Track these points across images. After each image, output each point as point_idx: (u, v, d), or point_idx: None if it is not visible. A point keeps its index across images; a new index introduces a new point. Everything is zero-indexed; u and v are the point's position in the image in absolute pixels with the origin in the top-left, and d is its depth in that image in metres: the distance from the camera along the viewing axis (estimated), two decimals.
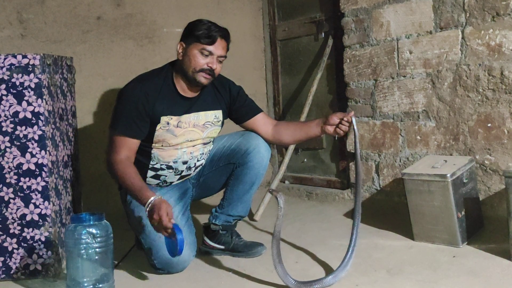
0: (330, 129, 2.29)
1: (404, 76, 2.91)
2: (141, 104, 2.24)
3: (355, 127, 2.22)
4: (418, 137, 2.88)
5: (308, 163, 3.68)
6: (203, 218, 2.93)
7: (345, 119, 2.23)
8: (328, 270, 2.22)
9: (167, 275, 2.26)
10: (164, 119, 2.29)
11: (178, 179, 2.47)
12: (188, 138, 2.37)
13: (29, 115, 2.26)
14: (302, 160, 3.70)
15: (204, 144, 2.45)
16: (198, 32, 2.24)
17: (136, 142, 2.26)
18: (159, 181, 2.42)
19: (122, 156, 2.22)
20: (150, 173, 2.38)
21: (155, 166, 2.38)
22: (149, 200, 2.07)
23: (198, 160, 2.46)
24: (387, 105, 3.01)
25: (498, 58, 2.52)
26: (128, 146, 2.24)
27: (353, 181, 3.26)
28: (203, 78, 2.26)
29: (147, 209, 2.08)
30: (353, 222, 2.15)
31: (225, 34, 2.29)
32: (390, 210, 2.93)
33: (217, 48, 2.26)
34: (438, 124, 2.79)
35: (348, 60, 3.19)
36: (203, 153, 2.46)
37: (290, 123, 2.53)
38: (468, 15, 2.61)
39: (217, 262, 2.42)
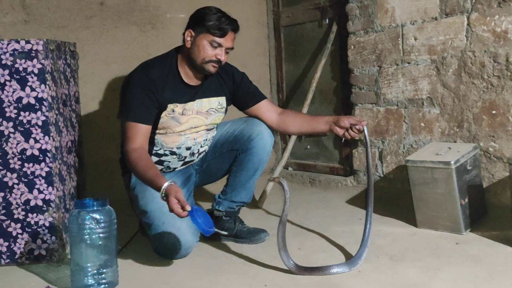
0: (339, 131, 2.28)
1: (409, 63, 2.90)
2: (150, 91, 2.23)
3: (367, 138, 2.21)
4: (422, 124, 2.87)
5: (312, 149, 3.68)
6: (206, 205, 2.92)
7: (357, 126, 2.23)
8: (331, 257, 2.23)
9: (170, 261, 2.27)
10: (170, 106, 2.29)
11: (182, 165, 2.47)
12: (192, 125, 2.37)
13: (32, 101, 2.25)
14: (306, 147, 3.70)
15: (208, 130, 2.45)
16: (209, 23, 2.22)
17: (149, 128, 2.25)
18: (162, 167, 2.42)
19: (136, 145, 2.20)
20: (154, 158, 2.37)
21: (158, 152, 2.38)
22: (162, 189, 2.05)
23: (201, 146, 2.46)
24: (391, 91, 3.00)
25: (504, 45, 2.50)
26: (142, 133, 2.22)
27: (356, 168, 3.28)
28: (211, 68, 2.27)
29: (162, 197, 2.06)
30: (364, 230, 2.17)
31: (235, 27, 2.28)
32: (393, 197, 2.93)
33: (227, 40, 2.25)
34: (443, 111, 2.78)
35: (352, 46, 3.17)
36: (206, 139, 2.46)
37: (297, 114, 2.52)
38: (474, 1, 2.58)
39: (220, 248, 2.42)
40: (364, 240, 2.16)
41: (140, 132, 2.23)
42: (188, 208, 2.00)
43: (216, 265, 2.21)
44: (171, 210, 2.00)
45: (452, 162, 2.33)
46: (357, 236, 2.25)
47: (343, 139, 2.31)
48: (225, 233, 2.44)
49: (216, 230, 2.26)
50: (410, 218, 2.54)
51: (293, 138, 3.37)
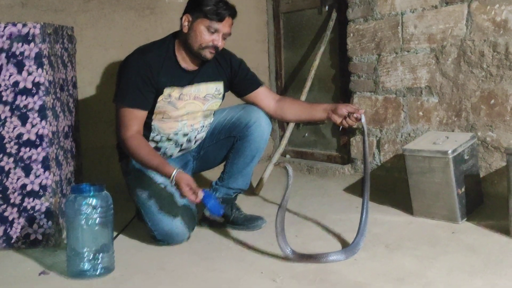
0: (337, 119, 2.28)
1: (408, 51, 2.88)
2: (146, 75, 2.22)
3: (364, 126, 2.20)
4: (420, 113, 2.87)
5: (309, 137, 3.68)
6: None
7: (355, 115, 2.22)
8: (328, 244, 2.23)
9: (167, 247, 2.28)
10: (167, 90, 2.28)
11: (179, 152, 2.47)
12: (189, 110, 2.36)
13: (29, 85, 2.24)
14: (303, 135, 3.70)
15: (205, 116, 2.44)
16: (206, 8, 2.20)
17: (144, 113, 2.25)
18: (159, 153, 2.39)
19: (133, 132, 2.20)
20: (151, 144, 2.36)
21: (155, 138, 2.38)
22: (172, 177, 2.10)
23: (198, 133, 2.45)
24: (390, 80, 2.99)
25: (504, 34, 2.48)
26: (137, 119, 2.22)
27: (354, 156, 3.27)
28: (208, 53, 2.26)
29: (172, 184, 2.13)
30: (361, 219, 2.18)
31: (233, 13, 2.26)
32: (390, 186, 2.94)
33: (224, 26, 2.23)
34: (441, 100, 2.77)
35: (351, 34, 3.16)
36: (203, 126, 2.46)
37: (295, 102, 2.52)
38: None
39: (217, 234, 2.43)
40: (360, 229, 2.16)
41: (136, 118, 2.23)
42: (201, 194, 2.09)
43: (213, 251, 2.22)
44: (184, 197, 2.08)
45: (449, 152, 2.33)
46: (354, 224, 2.25)
47: (341, 127, 2.31)
48: (221, 220, 2.45)
49: (212, 217, 2.29)
50: (407, 207, 2.55)
51: (291, 125, 3.36)
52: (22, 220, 2.29)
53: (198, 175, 3.01)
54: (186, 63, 2.32)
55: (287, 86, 3.83)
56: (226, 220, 2.49)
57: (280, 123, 3.85)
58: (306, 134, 3.69)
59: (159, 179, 2.29)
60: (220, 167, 2.58)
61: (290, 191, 2.07)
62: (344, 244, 2.22)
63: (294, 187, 2.98)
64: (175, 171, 2.09)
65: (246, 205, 2.76)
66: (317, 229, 2.44)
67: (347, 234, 2.31)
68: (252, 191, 3.08)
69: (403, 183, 2.64)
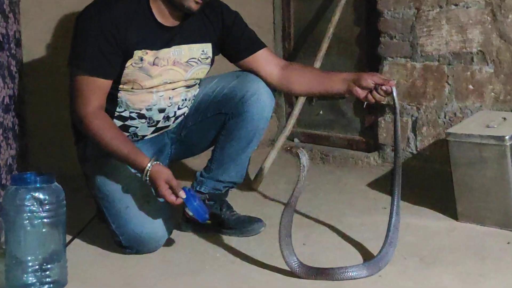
0: (360, 92, 2.27)
1: (456, 5, 2.88)
2: (109, 33, 2.21)
3: (396, 103, 2.19)
4: (470, 87, 2.87)
5: (325, 116, 3.68)
6: (184, 184, 2.88)
7: (384, 87, 2.21)
8: (345, 256, 2.24)
9: (135, 256, 2.28)
10: (137, 53, 2.27)
11: (153, 132, 2.47)
12: (167, 79, 2.35)
13: None
14: (317, 113, 3.71)
15: (188, 87, 2.44)
16: None
17: (108, 83, 2.25)
18: (128, 134, 2.41)
19: (95, 108, 2.20)
20: (117, 123, 2.36)
21: (122, 114, 2.38)
22: (145, 171, 2.12)
23: (179, 108, 2.45)
24: (432, 42, 2.99)
25: None
26: (99, 90, 2.23)
27: (382, 141, 3.29)
28: (193, 4, 2.25)
29: (145, 180, 2.15)
30: (389, 223, 2.19)
31: None
32: (429, 181, 2.94)
33: None
34: (498, 70, 2.77)
35: None
36: (186, 99, 2.46)
37: (306, 68, 2.53)
38: None
39: (202, 241, 2.43)
40: (389, 236, 2.16)
41: (97, 88, 2.23)
42: (183, 195, 2.11)
43: (195, 263, 2.22)
44: (161, 197, 2.08)
45: (507, 138, 2.33)
46: (380, 230, 2.25)
47: (365, 103, 2.31)
48: (208, 221, 2.44)
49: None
50: (449, 208, 2.55)
51: (301, 100, 3.36)
52: None
53: (178, 163, 3.02)
54: (163, 18, 2.31)
55: (297, 49, 3.82)
56: (214, 222, 2.49)
57: (287, 97, 3.85)
58: (321, 112, 3.69)
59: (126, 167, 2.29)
60: (207, 154, 2.57)
61: (303, 186, 2.07)
62: (367, 256, 2.22)
63: (306, 180, 3.05)
64: (150, 163, 2.09)
65: (241, 203, 2.75)
66: (332, 235, 2.45)
67: (370, 243, 2.31)
68: (248, 185, 3.08)
69: (446, 177, 2.64)
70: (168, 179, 2.11)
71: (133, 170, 2.23)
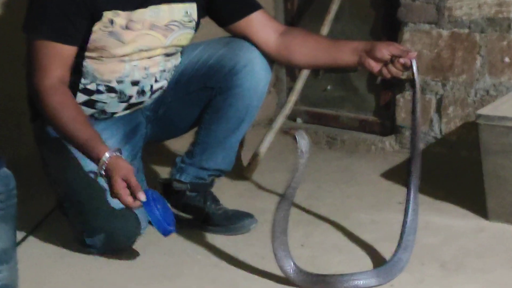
0: (374, 65, 2.26)
1: None
2: None
3: (416, 78, 2.17)
4: (507, 59, 2.89)
5: (333, 92, 3.66)
6: (162, 172, 2.95)
7: (403, 60, 2.19)
8: (351, 260, 2.23)
9: (101, 257, 2.28)
10: (107, 15, 2.25)
11: (125, 109, 2.44)
12: (142, 46, 2.32)
13: None
14: (324, 88, 3.68)
15: (167, 56, 2.41)
16: None
17: (71, 51, 2.23)
18: (94, 111, 2.39)
19: (54, 80, 2.18)
20: (81, 97, 2.34)
21: (88, 86, 2.34)
22: (101, 162, 2.07)
23: (156, 81, 2.42)
24: (462, 6, 2.99)
25: None
26: (61, 59, 2.21)
27: (400, 123, 3.27)
28: None
29: (101, 173, 2.09)
30: (405, 221, 2.18)
31: None
32: (454, 171, 2.94)
33: None
34: None
35: None
36: (164, 70, 2.43)
37: (310, 35, 2.50)
38: None
39: (179, 239, 2.42)
40: (404, 237, 2.15)
41: (59, 57, 2.21)
42: (142, 197, 2.03)
43: (171, 266, 2.23)
44: (116, 197, 2.04)
45: None
46: (394, 230, 2.23)
47: (380, 78, 2.33)
48: (189, 216, 2.48)
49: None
50: (478, 204, 2.54)
51: (305, 73, 3.34)
52: None
53: (155, 147, 3.03)
54: None
55: (301, 12, 3.78)
56: (196, 217, 2.50)
57: (289, 69, 3.80)
58: (328, 88, 3.66)
59: None
60: (190, 136, 2.58)
61: (302, 175, 2.05)
62: (378, 261, 2.21)
63: (306, 168, 3.04)
64: (108, 153, 2.05)
65: (229, 195, 2.77)
66: (337, 235, 2.45)
67: (382, 245, 2.31)
68: (239, 173, 3.06)
69: (474, 167, 2.61)
70: (126, 176, 2.03)
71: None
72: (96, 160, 2.08)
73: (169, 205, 2.26)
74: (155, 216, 2.07)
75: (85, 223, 2.26)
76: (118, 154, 2.10)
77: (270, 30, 2.44)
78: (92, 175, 2.24)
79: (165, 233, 2.11)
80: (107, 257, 2.26)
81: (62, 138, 2.22)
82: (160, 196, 2.17)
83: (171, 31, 2.35)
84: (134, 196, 2.05)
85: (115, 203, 2.17)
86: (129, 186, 2.05)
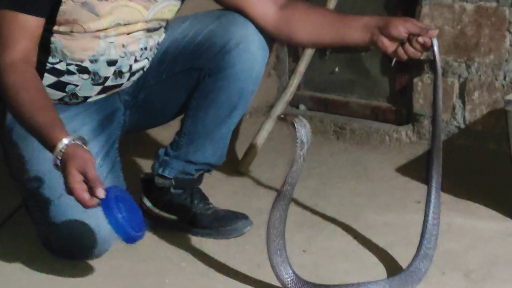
0: (388, 45, 2.24)
1: None
2: None
3: (437, 59, 2.16)
4: None
5: (341, 74, 3.66)
6: (144, 166, 2.97)
7: (422, 39, 2.17)
8: (360, 268, 2.23)
9: (70, 262, 2.27)
10: None
11: (99, 93, 2.42)
12: (120, 19, 2.30)
13: None
14: (332, 70, 3.67)
15: (149, 31, 2.40)
16: None
17: (38, 23, 2.20)
18: (64, 94, 2.37)
19: (16, 57, 2.16)
20: (49, 78, 2.32)
21: (56, 66, 2.32)
22: (57, 150, 2.01)
23: (136, 61, 2.40)
24: None
25: None
26: (25, 33, 2.18)
27: (418, 110, 3.27)
28: None
29: (56, 164, 2.03)
30: (425, 224, 2.17)
31: None
32: (480, 166, 2.96)
33: None
34: None
35: None
36: (146, 48, 2.41)
37: (314, 9, 2.50)
38: None
39: (162, 244, 2.44)
40: (423, 242, 2.15)
41: (22, 30, 2.18)
42: (101, 194, 1.93)
43: (152, 274, 2.23)
44: (70, 192, 1.97)
45: None
46: (411, 234, 2.26)
47: (395, 59, 2.29)
48: (174, 217, 2.48)
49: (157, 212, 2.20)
50: (507, 204, 2.56)
51: (310, 52, 3.34)
52: None
53: (135, 137, 3.02)
54: None
55: None
56: (181, 218, 2.51)
57: (291, 48, 3.79)
58: (336, 70, 3.66)
59: None
60: (174, 125, 2.58)
61: (301, 169, 2.04)
62: (392, 269, 2.21)
63: (310, 161, 3.04)
64: (66, 140, 1.99)
65: (221, 192, 2.79)
66: (344, 239, 2.46)
67: (397, 251, 2.31)
68: (233, 166, 3.07)
69: (503, 161, 2.64)
70: (83, 168, 1.93)
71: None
72: (52, 147, 2.01)
73: (140, 206, 2.28)
74: (115, 219, 1.97)
75: (52, 225, 2.24)
76: (79, 142, 2.02)
77: (268, 1, 2.42)
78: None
79: (128, 240, 2.01)
80: (75, 263, 2.25)
81: (19, 124, 2.18)
82: (128, 194, 2.10)
83: (153, 3, 2.33)
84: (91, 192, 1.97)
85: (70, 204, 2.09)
86: (87, 181, 1.96)
